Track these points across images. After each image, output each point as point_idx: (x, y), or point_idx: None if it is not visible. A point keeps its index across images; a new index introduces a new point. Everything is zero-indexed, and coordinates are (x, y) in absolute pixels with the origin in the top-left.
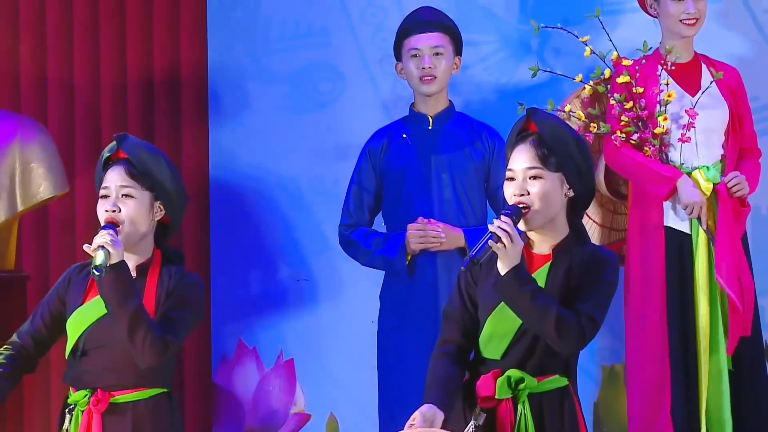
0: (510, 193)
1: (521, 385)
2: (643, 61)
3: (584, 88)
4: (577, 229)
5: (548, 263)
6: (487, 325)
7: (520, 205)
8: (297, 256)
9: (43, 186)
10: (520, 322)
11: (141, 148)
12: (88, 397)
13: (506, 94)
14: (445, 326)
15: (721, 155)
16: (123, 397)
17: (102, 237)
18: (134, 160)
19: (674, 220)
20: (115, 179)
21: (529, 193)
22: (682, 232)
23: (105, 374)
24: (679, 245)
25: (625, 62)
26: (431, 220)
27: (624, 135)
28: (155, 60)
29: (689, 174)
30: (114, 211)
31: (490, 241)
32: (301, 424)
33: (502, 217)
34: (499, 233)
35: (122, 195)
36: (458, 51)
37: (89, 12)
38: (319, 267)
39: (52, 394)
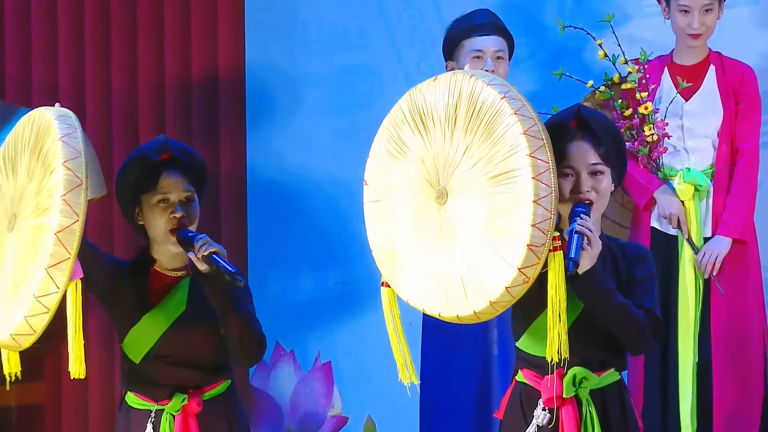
0: (572, 190)
1: (584, 383)
2: (646, 66)
3: (594, 93)
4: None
5: None
6: (538, 322)
7: (587, 202)
8: (334, 259)
9: None
10: (573, 319)
11: (189, 151)
12: (185, 401)
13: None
14: None
15: (712, 161)
16: (211, 392)
17: (209, 244)
18: (189, 164)
19: (658, 223)
20: (176, 184)
21: (592, 189)
22: (669, 234)
23: (193, 375)
24: (666, 247)
25: (628, 68)
26: None
27: None
28: (193, 62)
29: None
30: (182, 216)
31: (582, 242)
32: (338, 427)
33: (582, 216)
34: (587, 233)
35: (185, 198)
36: (511, 56)
37: (127, 15)
38: (355, 269)
39: (89, 397)
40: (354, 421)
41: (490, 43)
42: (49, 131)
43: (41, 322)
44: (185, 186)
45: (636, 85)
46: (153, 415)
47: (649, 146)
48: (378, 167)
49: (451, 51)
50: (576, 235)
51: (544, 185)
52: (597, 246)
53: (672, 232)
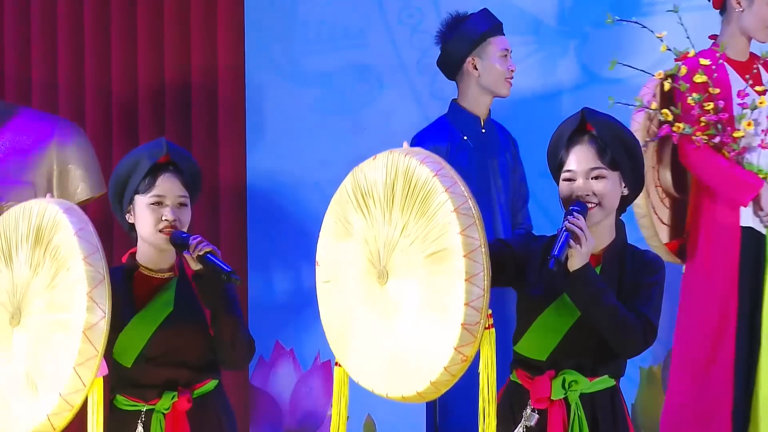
0: (572, 193)
1: (574, 386)
2: (720, 60)
3: (662, 86)
4: (619, 227)
5: (599, 265)
6: (536, 324)
7: (586, 203)
8: None
9: (80, 188)
10: (571, 323)
11: (188, 156)
12: (175, 398)
13: (544, 97)
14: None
15: None
16: (200, 390)
17: (204, 243)
18: (186, 170)
19: (753, 221)
20: (172, 188)
21: (592, 193)
22: (760, 232)
23: (182, 373)
24: (756, 246)
25: (702, 61)
26: None
27: (706, 137)
28: (192, 63)
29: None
30: (174, 220)
31: (569, 240)
32: None
33: (575, 214)
34: (576, 231)
35: (178, 203)
36: None
37: (127, 15)
38: None
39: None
40: (354, 421)
41: (508, 42)
42: (58, 225)
43: (63, 420)
44: (180, 191)
45: (709, 79)
46: (143, 415)
47: (738, 141)
48: (328, 247)
49: (475, 46)
50: (564, 233)
51: (476, 263)
52: (587, 245)
53: (764, 230)
